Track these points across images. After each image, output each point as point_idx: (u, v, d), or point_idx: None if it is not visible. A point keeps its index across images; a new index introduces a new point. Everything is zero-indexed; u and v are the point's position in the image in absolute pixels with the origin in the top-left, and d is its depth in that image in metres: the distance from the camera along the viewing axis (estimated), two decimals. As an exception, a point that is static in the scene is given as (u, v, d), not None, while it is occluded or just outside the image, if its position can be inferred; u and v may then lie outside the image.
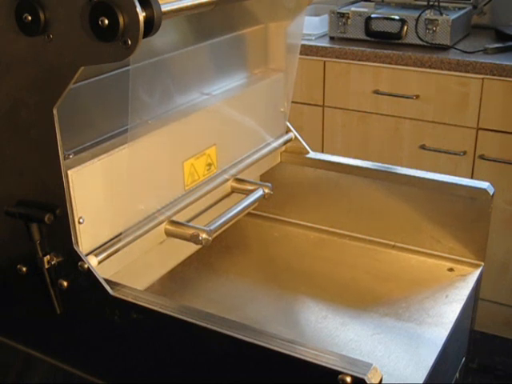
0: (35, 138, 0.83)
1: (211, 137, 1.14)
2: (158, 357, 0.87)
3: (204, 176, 1.13)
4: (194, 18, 1.10)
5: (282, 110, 1.34)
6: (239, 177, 1.20)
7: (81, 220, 0.88)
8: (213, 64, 1.19)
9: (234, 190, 1.20)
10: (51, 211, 0.85)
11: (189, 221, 1.09)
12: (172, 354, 0.86)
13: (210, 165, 1.14)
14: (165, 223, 1.03)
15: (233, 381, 0.82)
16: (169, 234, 1.03)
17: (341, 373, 0.71)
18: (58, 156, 0.82)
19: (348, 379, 0.71)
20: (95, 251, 0.91)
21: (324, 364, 0.73)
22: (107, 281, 0.87)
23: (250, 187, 1.19)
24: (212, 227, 1.04)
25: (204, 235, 1.01)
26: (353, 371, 0.71)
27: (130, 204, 0.96)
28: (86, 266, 0.87)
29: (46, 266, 0.88)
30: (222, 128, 1.16)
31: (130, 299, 0.85)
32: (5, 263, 0.95)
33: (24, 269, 0.92)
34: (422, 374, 0.92)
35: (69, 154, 0.89)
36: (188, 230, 1.02)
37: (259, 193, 1.18)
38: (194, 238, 1.01)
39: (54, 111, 0.80)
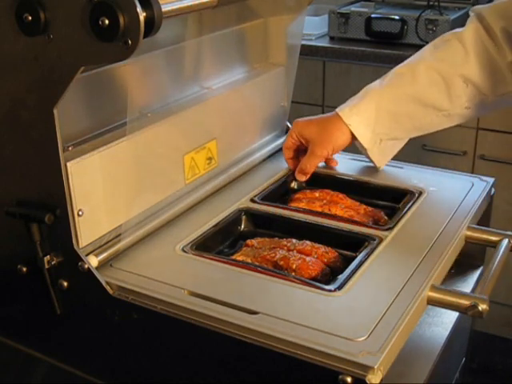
0: (35, 137, 0.83)
1: (211, 130, 1.14)
2: (158, 357, 0.87)
3: (205, 170, 1.13)
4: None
5: (282, 104, 1.33)
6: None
7: (80, 212, 0.87)
8: (213, 58, 1.19)
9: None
10: (51, 211, 0.85)
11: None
12: (172, 354, 0.86)
13: (210, 159, 1.14)
14: (427, 289, 0.87)
15: (233, 381, 0.82)
16: (433, 301, 0.88)
17: (341, 373, 0.71)
18: (59, 156, 0.82)
19: (349, 379, 0.71)
20: (95, 251, 0.91)
21: (324, 364, 0.73)
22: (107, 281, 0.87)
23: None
24: (485, 296, 0.87)
25: (484, 306, 0.84)
26: (353, 371, 0.71)
27: (129, 197, 0.96)
28: (86, 266, 0.86)
29: (46, 266, 0.88)
30: (222, 122, 1.16)
31: (130, 299, 0.85)
32: (5, 263, 0.95)
33: (24, 269, 0.92)
34: (422, 374, 0.92)
35: (68, 146, 0.89)
36: (461, 299, 0.86)
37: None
38: (471, 310, 0.85)
39: (54, 111, 0.79)
